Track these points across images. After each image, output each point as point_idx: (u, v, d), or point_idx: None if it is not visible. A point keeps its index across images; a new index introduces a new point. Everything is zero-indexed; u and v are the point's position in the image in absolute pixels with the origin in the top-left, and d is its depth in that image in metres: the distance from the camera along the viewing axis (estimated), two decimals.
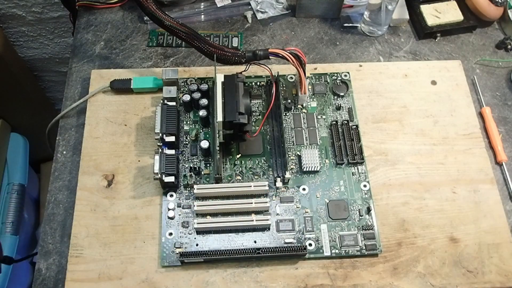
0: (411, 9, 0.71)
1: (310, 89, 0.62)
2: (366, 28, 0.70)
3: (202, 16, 0.71)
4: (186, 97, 0.58)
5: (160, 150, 0.54)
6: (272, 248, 0.51)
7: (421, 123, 0.62)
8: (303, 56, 0.55)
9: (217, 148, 0.54)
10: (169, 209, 0.54)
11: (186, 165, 0.57)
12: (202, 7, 0.71)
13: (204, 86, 0.59)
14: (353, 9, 0.72)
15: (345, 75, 0.64)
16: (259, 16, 0.71)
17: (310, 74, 0.63)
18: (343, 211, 0.54)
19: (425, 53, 0.69)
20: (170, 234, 0.53)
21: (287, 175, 0.55)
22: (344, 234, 0.53)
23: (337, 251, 0.53)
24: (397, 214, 0.56)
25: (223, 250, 0.51)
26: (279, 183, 0.56)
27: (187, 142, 0.58)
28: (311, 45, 0.69)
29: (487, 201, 0.57)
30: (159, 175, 0.52)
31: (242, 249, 0.51)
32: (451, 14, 0.70)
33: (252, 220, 0.52)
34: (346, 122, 0.60)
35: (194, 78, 0.62)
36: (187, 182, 0.56)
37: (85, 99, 0.61)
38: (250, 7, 0.72)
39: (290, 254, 0.52)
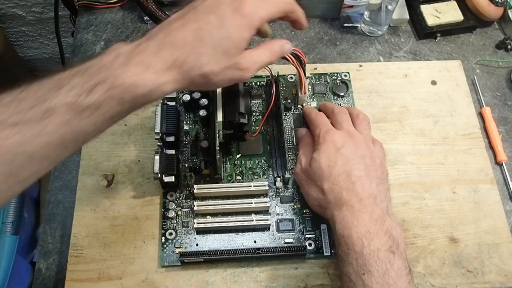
0: (411, 9, 0.71)
1: (310, 89, 0.62)
2: (366, 28, 0.70)
3: None
4: (186, 97, 0.58)
5: (160, 150, 0.54)
6: (272, 248, 0.51)
7: (421, 123, 0.62)
8: (303, 56, 0.55)
9: (217, 148, 0.54)
10: (169, 209, 0.54)
11: (186, 165, 0.57)
12: None
13: None
14: (353, 9, 0.72)
15: (345, 75, 0.64)
16: None
17: (310, 74, 0.63)
18: None
19: (425, 53, 0.69)
20: (170, 234, 0.53)
21: (287, 175, 0.55)
22: None
23: None
24: (397, 214, 0.56)
25: (223, 250, 0.51)
26: (279, 183, 0.56)
27: (187, 142, 0.58)
28: (311, 45, 0.69)
29: (487, 201, 0.57)
30: (159, 175, 0.52)
31: (242, 249, 0.51)
32: (451, 14, 0.70)
33: (252, 220, 0.52)
34: None
35: None
36: (187, 182, 0.56)
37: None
38: None
39: (290, 254, 0.52)
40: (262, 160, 0.57)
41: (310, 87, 0.63)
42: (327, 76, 0.64)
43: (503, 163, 0.60)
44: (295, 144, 0.58)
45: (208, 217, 0.54)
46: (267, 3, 0.42)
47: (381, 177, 0.49)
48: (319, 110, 0.58)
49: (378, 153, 0.51)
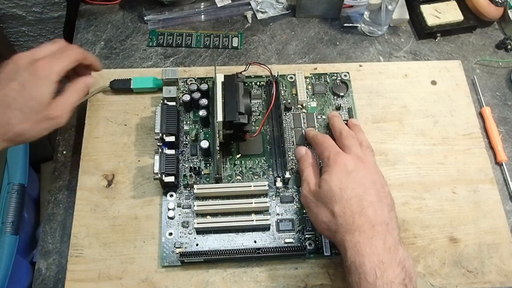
0: (411, 9, 0.71)
1: (310, 89, 0.62)
2: (366, 28, 0.70)
3: (202, 16, 0.71)
4: (186, 97, 0.58)
5: (160, 150, 0.54)
6: (272, 248, 0.51)
7: (421, 123, 0.62)
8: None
9: (217, 148, 0.54)
10: (169, 209, 0.54)
11: (186, 165, 0.57)
12: (202, 7, 0.71)
13: (204, 86, 0.59)
14: (353, 9, 0.72)
15: (345, 75, 0.64)
16: (259, 16, 0.71)
17: (310, 74, 0.63)
18: None
19: (425, 53, 0.69)
20: (170, 234, 0.53)
21: (287, 175, 0.55)
22: None
23: (337, 251, 0.52)
24: (397, 214, 0.55)
25: (223, 250, 0.51)
26: (279, 183, 0.56)
27: (187, 142, 0.58)
28: (311, 45, 0.69)
29: (487, 201, 0.57)
30: (159, 175, 0.52)
31: (242, 249, 0.51)
32: (451, 14, 0.70)
33: (252, 220, 0.52)
34: (346, 122, 0.59)
35: (194, 78, 0.62)
36: (187, 182, 0.55)
37: (85, 99, 0.61)
38: (250, 7, 0.72)
39: (290, 254, 0.52)
40: (262, 160, 0.57)
41: (310, 87, 0.63)
42: (327, 76, 0.64)
43: (503, 163, 0.60)
44: (295, 144, 0.58)
45: (208, 217, 0.54)
46: (59, 59, 0.48)
47: (390, 204, 0.48)
48: (328, 124, 0.59)
49: (385, 181, 0.51)
